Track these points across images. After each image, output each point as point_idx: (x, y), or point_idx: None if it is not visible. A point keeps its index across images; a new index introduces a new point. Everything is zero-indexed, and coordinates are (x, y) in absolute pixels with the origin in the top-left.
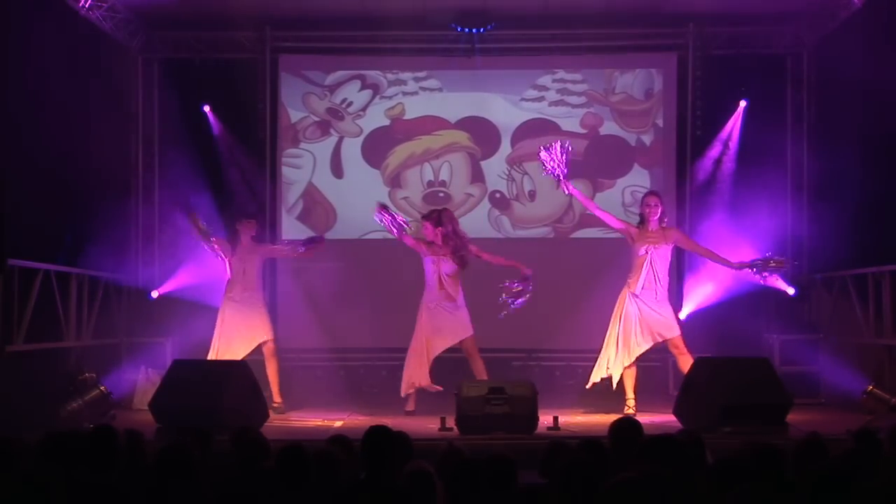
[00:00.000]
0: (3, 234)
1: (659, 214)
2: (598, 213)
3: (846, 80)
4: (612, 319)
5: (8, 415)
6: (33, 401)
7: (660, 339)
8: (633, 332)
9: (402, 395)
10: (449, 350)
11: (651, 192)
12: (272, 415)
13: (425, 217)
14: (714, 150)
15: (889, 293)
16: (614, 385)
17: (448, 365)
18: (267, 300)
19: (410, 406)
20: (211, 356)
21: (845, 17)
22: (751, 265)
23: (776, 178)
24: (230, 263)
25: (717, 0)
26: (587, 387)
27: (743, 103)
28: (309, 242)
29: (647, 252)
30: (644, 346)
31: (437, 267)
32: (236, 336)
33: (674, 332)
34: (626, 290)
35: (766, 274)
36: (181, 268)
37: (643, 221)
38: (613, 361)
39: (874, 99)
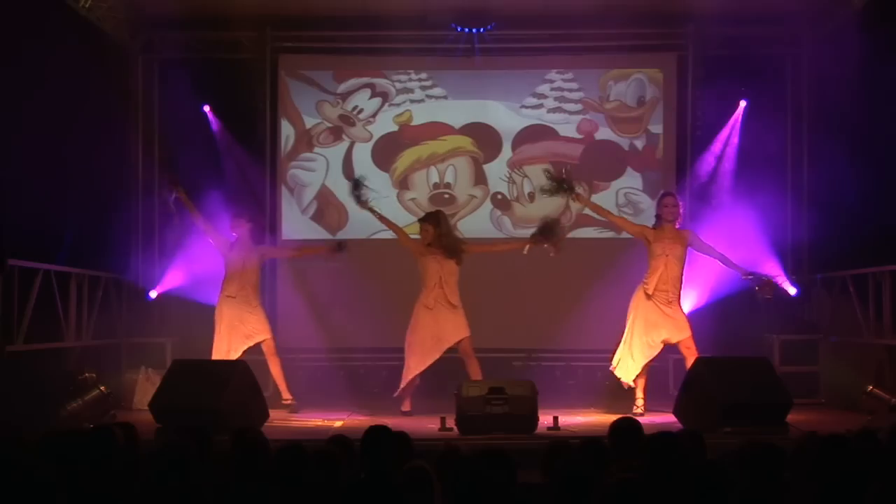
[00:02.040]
0: (3, 234)
1: (675, 215)
2: (614, 219)
3: (846, 81)
4: (627, 319)
5: (8, 415)
6: (33, 401)
7: (671, 342)
8: (647, 334)
9: (396, 395)
10: (448, 350)
11: (667, 193)
12: (285, 413)
13: (424, 220)
14: (714, 150)
15: (889, 293)
16: (626, 385)
17: (449, 365)
18: (263, 300)
19: (407, 406)
20: (215, 356)
21: (845, 17)
22: (755, 279)
23: (776, 178)
24: (227, 260)
25: (717, 0)
26: (622, 382)
27: (743, 103)
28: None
29: (662, 253)
30: (656, 349)
31: (440, 267)
32: (235, 333)
33: (684, 334)
34: (642, 289)
35: (760, 291)
36: (179, 265)
37: (659, 222)
38: (629, 362)
39: (874, 99)
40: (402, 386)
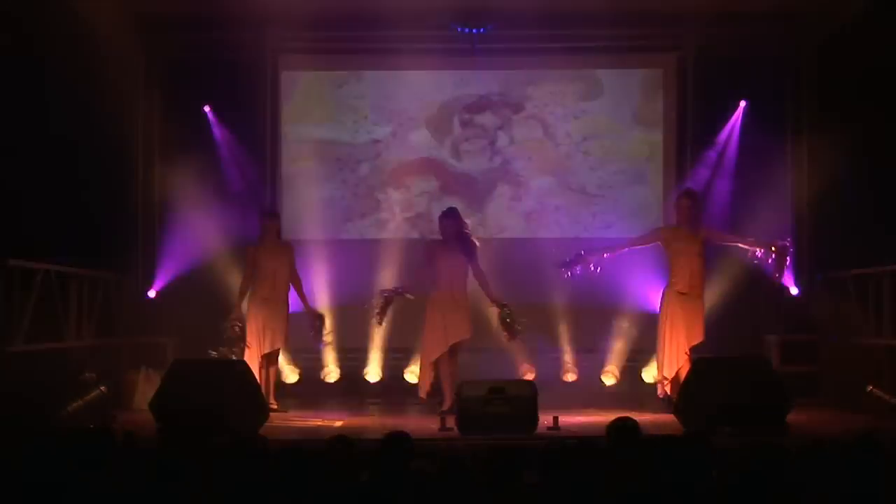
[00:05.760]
0: (3, 234)
1: (690, 217)
2: (627, 250)
3: (846, 81)
4: (659, 322)
5: (8, 415)
6: (33, 401)
7: (692, 343)
8: (680, 336)
9: (424, 396)
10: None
11: (683, 193)
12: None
13: (446, 216)
14: (713, 151)
15: (889, 293)
16: (661, 393)
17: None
18: (289, 304)
19: (423, 395)
20: (255, 358)
21: (845, 17)
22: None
23: (776, 179)
24: (259, 263)
25: (717, 0)
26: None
27: (742, 103)
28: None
29: (685, 250)
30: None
31: (452, 264)
32: (262, 334)
33: (699, 338)
34: (671, 290)
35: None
36: (179, 265)
37: (678, 221)
38: (666, 367)
39: (874, 99)
40: (419, 377)
